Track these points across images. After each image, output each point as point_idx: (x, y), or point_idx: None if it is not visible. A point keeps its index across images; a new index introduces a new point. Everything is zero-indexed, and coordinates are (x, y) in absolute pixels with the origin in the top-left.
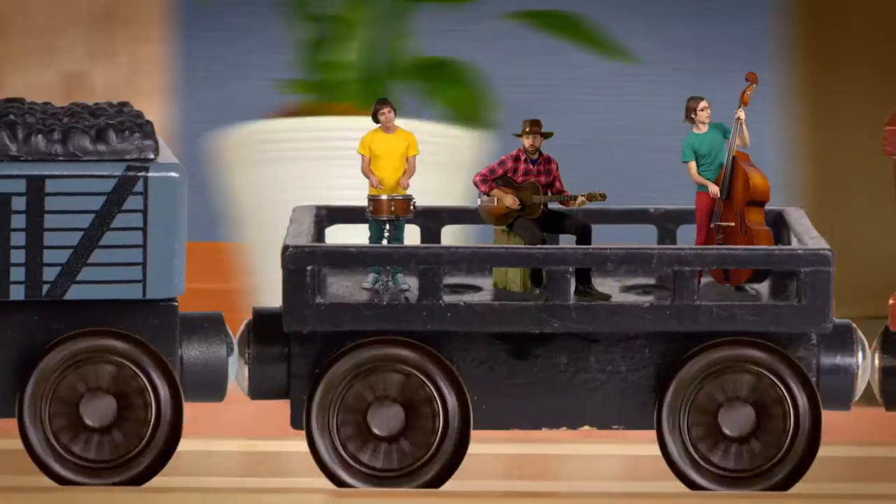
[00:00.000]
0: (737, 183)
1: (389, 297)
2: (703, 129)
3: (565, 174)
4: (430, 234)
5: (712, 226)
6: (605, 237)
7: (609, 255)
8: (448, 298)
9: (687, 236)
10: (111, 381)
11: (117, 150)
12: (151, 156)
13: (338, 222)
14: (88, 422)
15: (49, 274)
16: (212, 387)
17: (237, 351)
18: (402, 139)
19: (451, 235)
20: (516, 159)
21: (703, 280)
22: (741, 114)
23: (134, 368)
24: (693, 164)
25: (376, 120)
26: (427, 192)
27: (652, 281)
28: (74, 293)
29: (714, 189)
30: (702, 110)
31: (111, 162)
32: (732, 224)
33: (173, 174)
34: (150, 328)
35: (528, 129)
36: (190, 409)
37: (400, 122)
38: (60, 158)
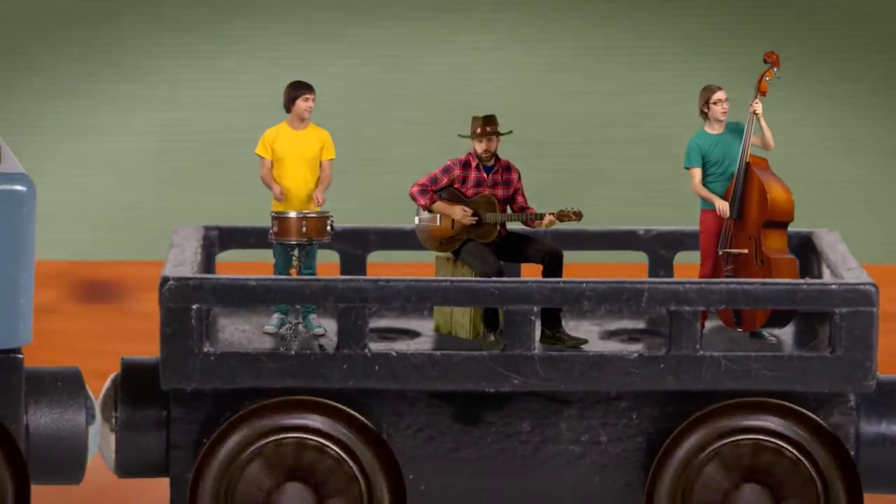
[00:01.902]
0: (751, 198)
1: (299, 345)
2: (718, 128)
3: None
4: (354, 263)
5: (720, 253)
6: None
7: (586, 291)
8: (376, 347)
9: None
10: None
11: None
12: None
13: (232, 247)
14: None
15: None
16: (67, 464)
17: (100, 416)
18: (314, 138)
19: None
20: (466, 166)
21: (708, 324)
22: (757, 106)
23: None
24: (697, 172)
25: (290, 109)
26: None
27: (641, 324)
28: None
29: (722, 206)
30: (715, 103)
31: None
32: (746, 251)
33: (19, 188)
34: None
35: (480, 130)
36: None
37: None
38: None
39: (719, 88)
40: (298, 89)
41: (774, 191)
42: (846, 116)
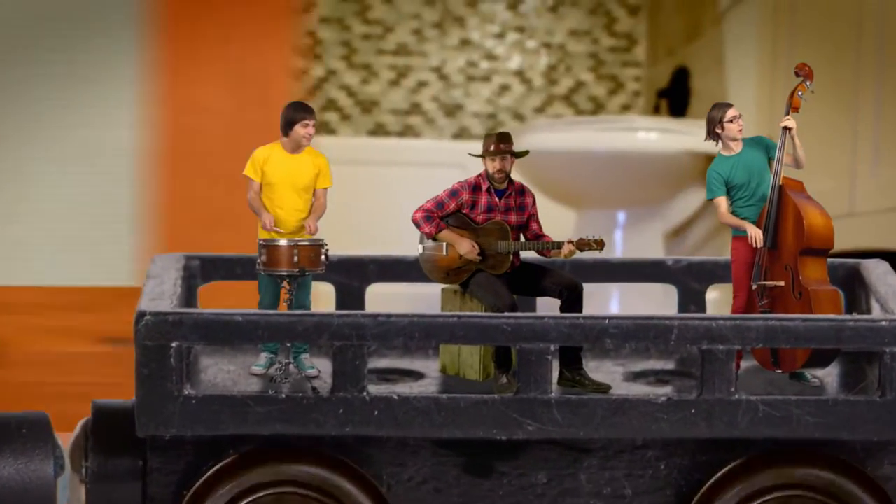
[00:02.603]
0: (786, 224)
1: (290, 388)
2: (736, 148)
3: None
4: (351, 296)
5: (754, 286)
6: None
7: (609, 328)
8: (375, 390)
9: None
10: None
11: None
12: None
13: (216, 278)
14: None
15: None
16: None
17: (69, 466)
18: (309, 164)
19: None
20: (476, 189)
21: (743, 364)
22: (790, 122)
23: None
24: (723, 202)
25: (287, 133)
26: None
27: (670, 365)
28: None
29: (755, 233)
30: (731, 121)
31: None
32: (782, 284)
33: None
34: None
35: (494, 147)
36: None
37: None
38: None
39: (731, 105)
40: (299, 111)
41: (812, 216)
42: None
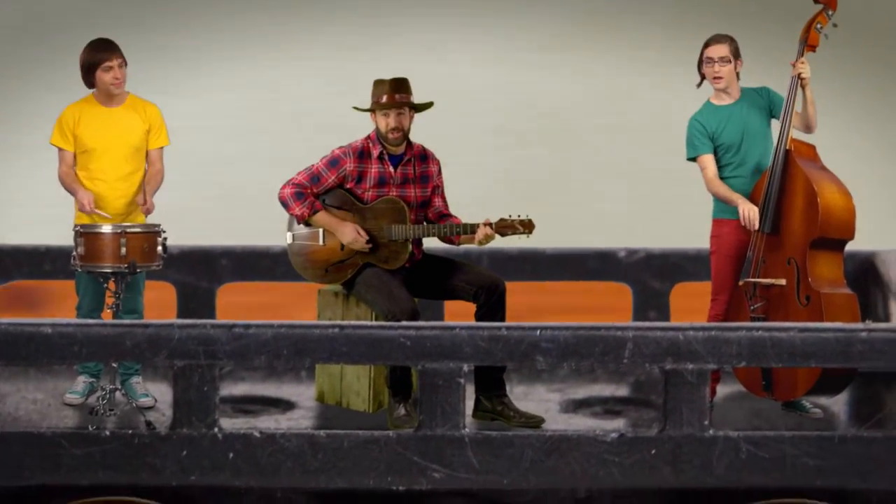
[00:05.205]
0: (792, 202)
1: (118, 422)
2: (728, 97)
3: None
4: (198, 300)
5: (741, 283)
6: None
7: (541, 342)
8: (231, 425)
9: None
10: None
11: None
12: None
13: (17, 277)
14: None
15: None
16: None
17: None
18: (135, 117)
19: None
20: (363, 156)
21: (722, 389)
22: (803, 67)
23: None
24: (710, 161)
25: (91, 82)
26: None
27: (623, 391)
28: None
29: (749, 212)
30: (708, 62)
31: None
32: (783, 282)
33: None
34: None
35: (386, 98)
36: None
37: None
38: None
39: (718, 40)
40: (95, 52)
41: (828, 192)
42: None
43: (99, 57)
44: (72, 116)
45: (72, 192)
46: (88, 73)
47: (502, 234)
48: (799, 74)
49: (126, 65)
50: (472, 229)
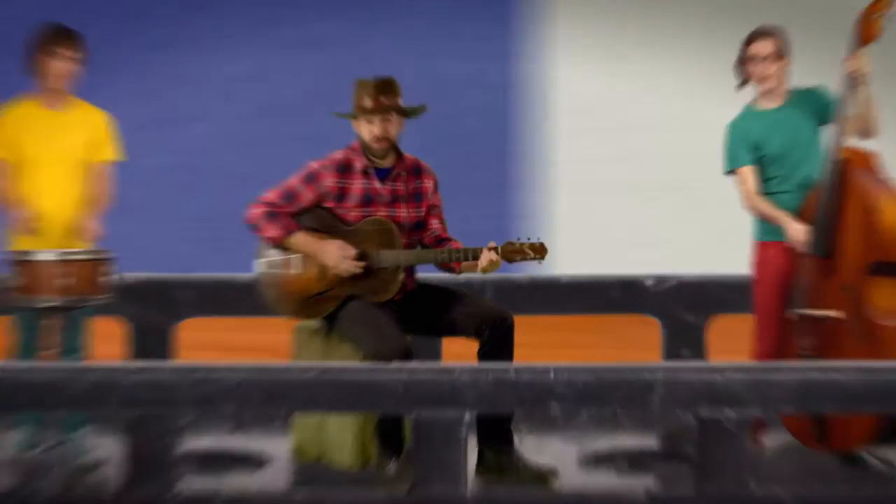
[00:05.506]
0: (848, 220)
1: (61, 482)
2: (774, 101)
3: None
4: (154, 339)
5: (788, 316)
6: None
7: (555, 386)
8: (192, 486)
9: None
10: None
11: None
12: None
13: None
14: None
15: None
16: None
17: None
18: (82, 123)
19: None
20: (346, 169)
21: (769, 440)
22: (860, 63)
23: None
24: (749, 173)
25: (34, 69)
26: None
27: (652, 442)
28: None
29: (796, 231)
30: (753, 60)
31: None
32: (840, 315)
33: None
34: None
35: (373, 103)
36: None
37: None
38: None
39: (762, 35)
40: (49, 37)
41: (890, 209)
42: None
43: (52, 44)
44: (11, 117)
45: (4, 206)
46: (35, 55)
47: (510, 261)
48: (855, 71)
49: (82, 66)
50: (474, 255)
